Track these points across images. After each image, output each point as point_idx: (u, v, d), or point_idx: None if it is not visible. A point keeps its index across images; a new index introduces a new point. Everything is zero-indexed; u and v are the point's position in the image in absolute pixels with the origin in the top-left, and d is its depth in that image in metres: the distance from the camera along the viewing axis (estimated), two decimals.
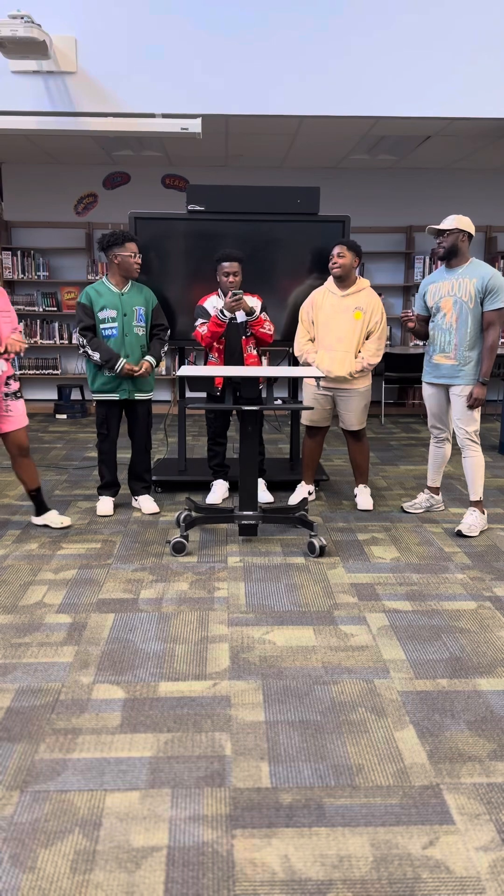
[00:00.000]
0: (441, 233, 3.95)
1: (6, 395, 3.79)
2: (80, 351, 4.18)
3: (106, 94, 5.06)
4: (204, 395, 7.38)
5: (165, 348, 4.39)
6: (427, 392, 4.22)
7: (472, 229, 3.95)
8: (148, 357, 4.25)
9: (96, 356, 4.10)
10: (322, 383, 4.35)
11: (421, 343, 8.17)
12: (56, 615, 3.01)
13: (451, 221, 3.92)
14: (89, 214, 8.01)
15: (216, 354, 4.39)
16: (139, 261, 4.17)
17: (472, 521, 4.04)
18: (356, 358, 4.27)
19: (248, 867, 1.69)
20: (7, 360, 3.75)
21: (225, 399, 4.08)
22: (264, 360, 4.53)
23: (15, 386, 3.83)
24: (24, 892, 1.62)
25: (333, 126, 5.93)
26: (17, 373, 7.99)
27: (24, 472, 3.97)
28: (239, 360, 4.36)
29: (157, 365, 4.33)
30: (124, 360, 4.12)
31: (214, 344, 4.35)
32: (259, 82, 5.08)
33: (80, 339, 4.16)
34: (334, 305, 4.27)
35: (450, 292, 3.97)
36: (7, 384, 3.79)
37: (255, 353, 4.41)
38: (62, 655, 2.67)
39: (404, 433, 7.09)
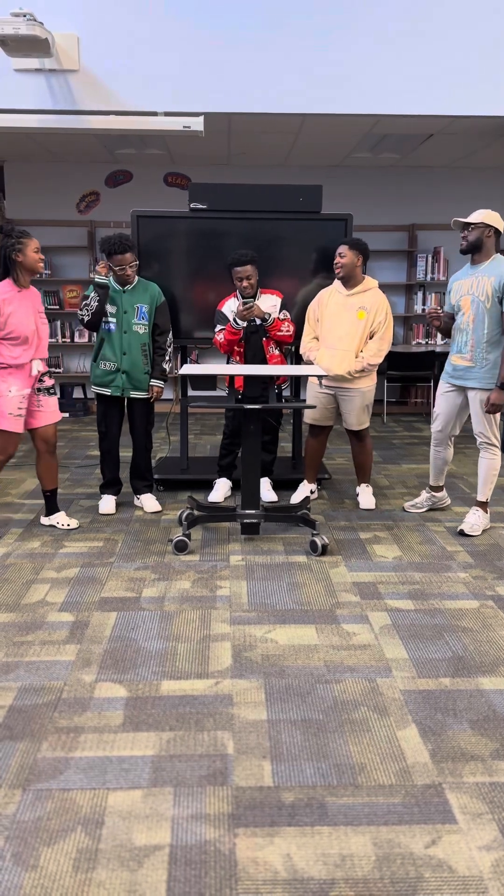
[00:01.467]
0: (466, 226, 3.81)
1: (38, 390, 3.86)
2: (82, 312, 4.13)
3: (108, 93, 5.05)
4: (204, 392, 7.38)
5: (168, 358, 4.33)
6: (441, 391, 4.10)
7: (500, 225, 3.78)
8: (154, 381, 4.28)
9: (94, 302, 4.06)
10: (324, 382, 4.34)
11: (423, 342, 8.16)
12: (58, 613, 3.01)
13: (478, 215, 3.78)
14: (91, 213, 8.00)
15: (237, 358, 4.37)
16: (129, 271, 4.09)
17: (475, 520, 4.03)
18: (357, 358, 4.25)
19: (251, 866, 1.69)
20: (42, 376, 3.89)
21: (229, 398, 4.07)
22: (288, 359, 4.50)
23: (49, 382, 3.91)
24: (27, 890, 1.62)
25: (336, 124, 5.92)
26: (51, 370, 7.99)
27: (47, 470, 4.01)
28: (262, 362, 4.30)
29: (166, 381, 4.34)
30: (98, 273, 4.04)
31: (235, 347, 4.33)
32: (261, 80, 5.07)
33: (81, 306, 4.15)
34: (339, 304, 4.26)
35: (469, 290, 3.86)
36: (41, 381, 3.87)
37: (277, 352, 4.38)
38: (64, 654, 2.67)
39: (406, 432, 7.08)
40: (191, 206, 4.62)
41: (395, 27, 5.01)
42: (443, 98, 5.12)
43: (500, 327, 3.80)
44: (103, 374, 4.22)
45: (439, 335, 8.02)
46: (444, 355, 6.82)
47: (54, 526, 4.08)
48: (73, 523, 4.07)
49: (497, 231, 3.81)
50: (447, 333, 4.11)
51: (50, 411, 3.92)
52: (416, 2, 4.98)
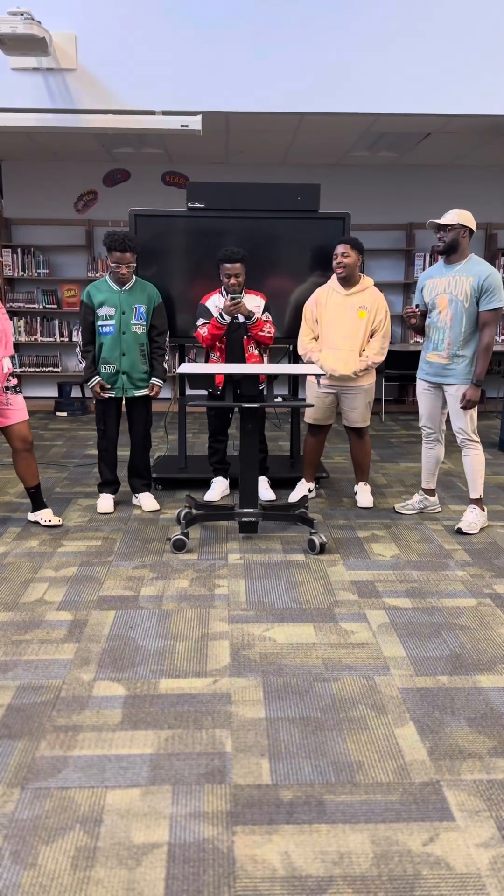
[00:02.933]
0: (442, 227, 3.86)
1: (6, 388, 3.83)
2: (77, 350, 4.29)
3: (106, 91, 5.05)
4: (204, 392, 7.38)
5: (167, 357, 4.37)
6: (419, 389, 4.15)
7: (473, 224, 3.87)
8: (154, 380, 4.31)
9: (81, 365, 4.18)
10: (326, 381, 4.34)
11: (422, 340, 8.15)
12: (57, 612, 3.01)
13: (453, 216, 3.83)
14: (89, 212, 8.00)
15: (218, 353, 4.38)
16: (125, 270, 4.10)
17: (472, 518, 4.04)
18: (360, 356, 4.26)
19: (249, 864, 1.70)
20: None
21: (225, 397, 4.08)
22: (265, 358, 4.51)
23: (14, 381, 3.89)
24: (26, 888, 1.63)
25: (334, 123, 5.92)
26: (17, 370, 8.00)
27: (26, 468, 3.98)
28: (240, 360, 4.34)
29: (165, 380, 4.36)
30: (97, 379, 4.21)
31: (216, 343, 4.34)
32: (259, 79, 5.07)
33: (79, 343, 4.27)
34: (339, 304, 4.25)
35: (446, 289, 3.90)
36: (7, 379, 3.83)
37: (256, 352, 4.39)
38: (63, 653, 2.68)
39: (404, 430, 7.08)
40: (189, 204, 4.62)
41: (392, 26, 5.01)
42: (440, 97, 5.13)
43: (476, 326, 3.87)
44: (105, 377, 4.23)
45: (411, 332, 8.05)
46: None
47: (38, 523, 4.09)
48: (56, 520, 4.07)
49: (470, 230, 3.87)
50: (420, 331, 4.14)
51: (19, 409, 3.90)
52: (413, 1, 4.98)
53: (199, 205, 4.61)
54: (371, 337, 4.28)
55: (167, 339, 4.35)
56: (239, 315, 4.22)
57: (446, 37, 5.04)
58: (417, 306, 4.10)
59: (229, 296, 4.13)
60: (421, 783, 1.98)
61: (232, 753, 2.10)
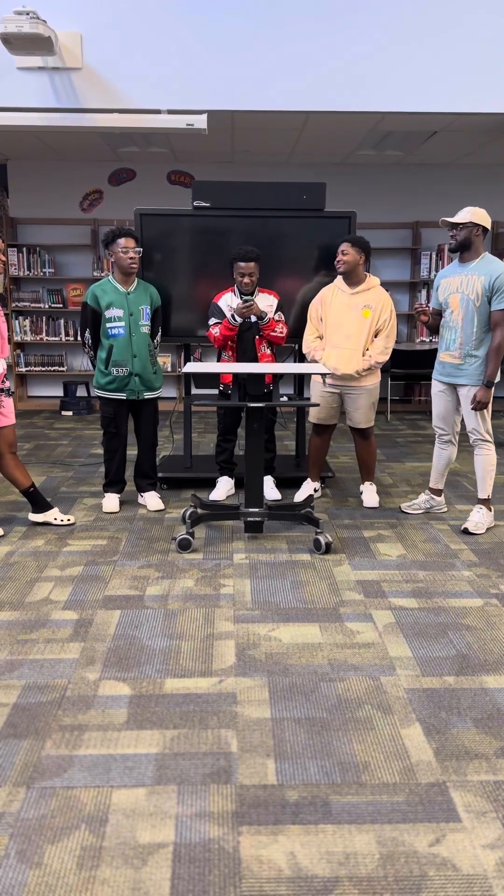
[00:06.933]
0: (454, 225, 3.83)
1: (1, 390, 3.81)
2: (86, 350, 4.30)
3: (111, 91, 5.05)
4: (209, 391, 7.38)
5: (156, 347, 4.39)
6: (434, 389, 4.14)
7: (487, 223, 3.81)
8: None
9: (87, 356, 4.24)
10: (330, 381, 4.33)
11: (427, 339, 8.14)
12: (62, 612, 3.01)
13: (466, 214, 3.80)
14: (95, 211, 8.00)
15: (230, 353, 4.38)
16: (133, 255, 4.08)
17: (479, 518, 4.02)
18: (364, 356, 4.25)
19: (255, 864, 1.69)
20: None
21: (232, 396, 4.07)
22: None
23: (8, 384, 3.87)
24: (31, 887, 1.63)
25: (339, 121, 5.90)
26: (23, 369, 8.01)
27: (16, 469, 3.96)
28: (252, 359, 4.34)
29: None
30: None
31: (228, 342, 4.34)
32: (265, 78, 5.06)
33: (86, 341, 4.28)
34: (343, 303, 4.25)
35: (458, 288, 3.88)
36: (3, 381, 3.82)
37: (268, 351, 4.38)
38: (68, 652, 2.68)
39: (410, 430, 7.07)
40: (194, 203, 4.61)
41: (398, 24, 5.00)
42: (447, 95, 5.11)
43: (488, 325, 3.83)
44: (118, 379, 4.21)
45: (426, 331, 8.00)
46: None
47: (48, 524, 4.08)
48: (67, 518, 4.07)
49: (485, 228, 3.83)
50: (435, 331, 4.13)
51: (9, 412, 3.87)
52: None
53: (204, 204, 4.61)
54: (376, 336, 4.27)
55: (159, 335, 4.38)
56: (251, 315, 4.21)
57: (452, 34, 5.02)
58: (430, 306, 4.08)
59: (242, 298, 4.12)
60: (427, 784, 1.97)
61: (237, 753, 2.09)
